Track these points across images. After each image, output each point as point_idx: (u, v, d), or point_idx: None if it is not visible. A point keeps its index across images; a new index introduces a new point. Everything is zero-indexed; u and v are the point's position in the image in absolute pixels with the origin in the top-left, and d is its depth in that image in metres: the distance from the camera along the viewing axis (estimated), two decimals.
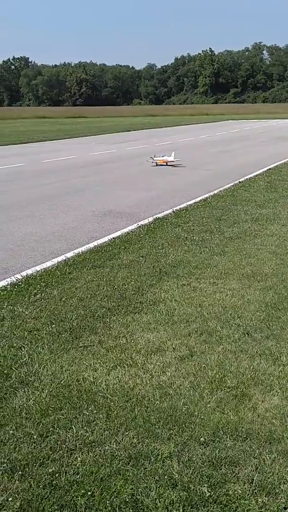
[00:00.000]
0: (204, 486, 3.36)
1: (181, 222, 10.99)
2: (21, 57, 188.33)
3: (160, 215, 11.76)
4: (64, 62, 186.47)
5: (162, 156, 21.63)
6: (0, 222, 11.48)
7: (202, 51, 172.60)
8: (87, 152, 27.79)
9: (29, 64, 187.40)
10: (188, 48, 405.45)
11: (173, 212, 12.13)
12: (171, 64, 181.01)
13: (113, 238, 9.82)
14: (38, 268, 8.05)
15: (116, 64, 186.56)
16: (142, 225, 10.86)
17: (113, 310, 6.28)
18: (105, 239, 9.77)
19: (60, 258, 8.55)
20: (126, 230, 10.48)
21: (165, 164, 21.26)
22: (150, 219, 11.39)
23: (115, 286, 7.05)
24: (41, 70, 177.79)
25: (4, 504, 3.26)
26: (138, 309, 6.31)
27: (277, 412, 4.16)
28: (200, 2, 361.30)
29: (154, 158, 21.26)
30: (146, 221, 11.17)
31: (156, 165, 21.10)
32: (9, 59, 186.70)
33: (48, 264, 8.29)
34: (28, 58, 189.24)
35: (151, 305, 6.44)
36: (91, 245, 9.35)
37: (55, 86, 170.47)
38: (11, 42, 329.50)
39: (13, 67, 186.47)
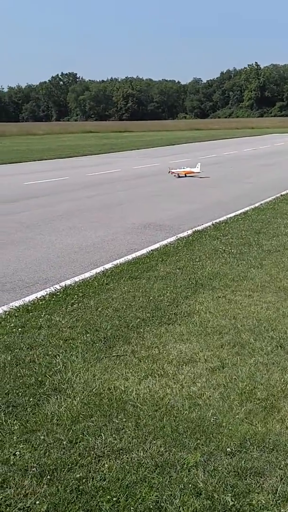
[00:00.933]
0: (228, 495, 3.36)
1: (220, 235, 10.99)
2: (69, 73, 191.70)
3: (199, 228, 11.78)
4: (111, 78, 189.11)
5: (184, 168, 22.57)
6: (43, 233, 11.68)
7: (248, 65, 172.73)
8: (131, 166, 28.02)
9: (77, 80, 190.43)
10: (234, 62, 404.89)
11: (213, 225, 12.13)
12: (216, 78, 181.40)
13: (152, 250, 9.88)
14: (76, 278, 8.17)
15: (162, 79, 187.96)
16: (181, 237, 10.90)
17: (147, 320, 6.33)
18: (144, 251, 9.84)
19: (98, 269, 8.66)
20: (164, 242, 10.54)
21: (184, 175, 22.16)
22: (189, 231, 11.42)
23: (151, 297, 7.10)
24: (88, 86, 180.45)
25: (32, 507, 3.33)
26: (172, 320, 6.34)
27: None
28: (246, 17, 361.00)
29: (173, 171, 22.31)
30: (185, 234, 11.21)
31: (179, 177, 22.01)
32: (57, 75, 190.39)
33: (87, 275, 8.40)
34: (76, 74, 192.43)
35: (185, 316, 6.46)
36: (130, 256, 9.43)
37: (102, 101, 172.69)
38: (60, 58, 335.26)
39: (61, 82, 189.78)
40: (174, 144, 48.90)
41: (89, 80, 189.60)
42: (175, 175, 22.17)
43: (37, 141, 56.21)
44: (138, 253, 9.69)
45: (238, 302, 6.92)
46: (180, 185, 20.09)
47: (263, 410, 4.36)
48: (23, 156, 35.23)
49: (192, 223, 12.42)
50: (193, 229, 11.62)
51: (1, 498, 3.41)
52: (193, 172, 22.30)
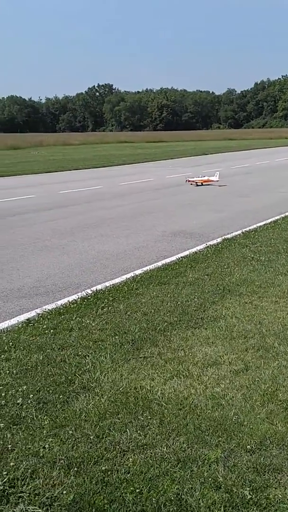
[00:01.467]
0: (246, 490, 3.47)
1: (249, 242, 11.05)
2: (105, 84, 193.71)
3: (229, 236, 11.87)
4: (146, 89, 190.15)
5: (202, 177, 23.08)
6: (76, 240, 11.91)
7: (282, 76, 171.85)
8: (164, 175, 28.20)
9: (113, 91, 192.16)
10: (268, 73, 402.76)
11: (242, 233, 12.21)
12: (250, 89, 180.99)
13: (181, 257, 10.01)
14: (107, 283, 8.35)
15: (197, 90, 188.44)
16: (210, 245, 11.00)
17: (175, 324, 6.46)
18: (173, 258, 9.98)
19: (129, 275, 8.82)
20: (194, 249, 10.65)
21: (201, 184, 22.68)
22: (219, 239, 11.52)
23: (178, 302, 7.23)
24: (124, 97, 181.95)
25: (59, 497, 3.48)
26: (198, 324, 6.46)
27: None
28: (280, 28, 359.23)
29: (190, 179, 22.94)
30: (214, 242, 11.31)
31: (197, 185, 22.57)
32: (94, 86, 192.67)
33: (117, 280, 8.57)
34: (112, 85, 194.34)
35: (211, 321, 6.58)
36: (160, 263, 9.57)
37: (137, 112, 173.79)
38: (97, 70, 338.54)
39: (97, 94, 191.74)
40: (207, 154, 48.94)
41: (125, 91, 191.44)
42: (192, 184, 22.68)
43: (73, 151, 56.88)
44: (168, 260, 9.83)
45: (264, 308, 7.00)
46: (211, 194, 20.17)
47: (284, 410, 4.45)
48: (59, 166, 35.76)
49: (222, 231, 12.52)
50: (223, 237, 11.72)
51: (30, 488, 3.57)
52: (211, 181, 22.73)
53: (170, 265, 9.40)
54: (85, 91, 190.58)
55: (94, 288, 8.06)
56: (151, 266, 9.35)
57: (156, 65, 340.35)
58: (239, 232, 12.35)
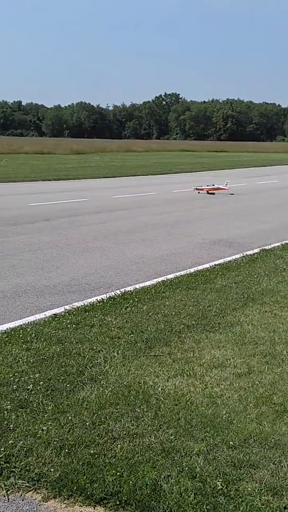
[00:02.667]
0: (219, 481, 3.64)
1: (286, 254, 11.09)
2: (172, 93, 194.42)
3: (267, 247, 11.93)
4: (212, 99, 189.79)
5: (211, 185, 23.58)
6: (118, 243, 12.25)
7: None
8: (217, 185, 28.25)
9: (179, 100, 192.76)
10: None
11: (281, 245, 12.24)
12: None
13: (215, 264, 10.17)
14: (137, 286, 8.61)
15: (263, 102, 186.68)
16: (246, 254, 11.10)
17: (191, 327, 6.65)
18: (207, 265, 10.15)
19: (160, 279, 9.05)
20: (229, 258, 10.79)
21: (213, 193, 23.10)
22: (257, 250, 11.60)
23: (200, 307, 7.41)
24: (189, 106, 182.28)
25: (46, 474, 3.75)
26: (214, 329, 6.63)
27: None
28: None
29: (198, 187, 23.37)
30: (251, 252, 11.40)
31: (207, 193, 23.01)
32: (161, 95, 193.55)
33: (148, 283, 8.82)
34: (179, 94, 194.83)
35: (228, 326, 6.73)
36: (192, 269, 9.76)
37: (201, 121, 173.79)
38: (164, 79, 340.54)
39: (164, 102, 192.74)
40: (266, 166, 48.62)
41: (191, 100, 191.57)
42: (198, 192, 23.06)
43: (134, 158, 57.61)
44: (201, 267, 10.01)
45: (283, 317, 7.10)
46: (260, 205, 20.17)
47: (275, 413, 4.58)
48: (117, 172, 36.40)
49: (262, 242, 12.59)
50: (261, 248, 11.79)
51: (23, 464, 3.86)
52: (221, 189, 23.27)
53: (202, 271, 9.58)
54: (152, 100, 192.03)
55: (123, 289, 8.33)
56: (184, 272, 9.55)
57: (223, 75, 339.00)
58: (279, 244, 12.38)
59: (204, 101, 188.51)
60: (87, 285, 8.75)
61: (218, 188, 23.21)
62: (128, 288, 8.41)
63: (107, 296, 7.94)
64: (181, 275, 9.26)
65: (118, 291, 8.22)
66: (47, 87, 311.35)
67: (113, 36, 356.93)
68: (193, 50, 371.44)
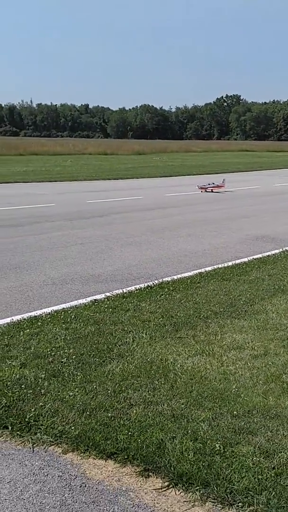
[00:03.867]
0: (218, 443, 3.97)
1: None
2: (233, 95, 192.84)
3: None
4: (273, 100, 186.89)
5: (212, 184, 23.56)
6: (164, 238, 12.62)
7: None
8: (272, 184, 28.21)
9: (240, 101, 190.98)
10: None
11: None
12: None
13: (254, 258, 10.39)
14: (175, 276, 8.95)
15: None
16: (286, 250, 11.25)
17: (218, 314, 6.96)
18: (246, 259, 10.38)
19: (198, 271, 9.37)
20: (268, 253, 10.97)
21: (211, 191, 23.20)
22: None
23: (230, 296, 7.70)
24: (250, 107, 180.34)
25: (67, 431, 4.19)
26: (240, 316, 6.91)
27: None
28: None
29: (201, 186, 23.29)
30: None
31: (212, 191, 23.09)
32: (222, 96, 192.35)
33: (186, 274, 9.15)
34: (240, 96, 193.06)
35: (253, 314, 7.00)
36: (231, 262, 10.03)
37: (262, 122, 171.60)
38: (226, 81, 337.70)
39: (225, 104, 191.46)
40: None
41: (252, 101, 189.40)
42: (202, 191, 23.04)
43: (192, 158, 57.74)
44: (239, 260, 10.25)
45: None
46: None
47: (281, 389, 4.86)
48: (175, 171, 36.74)
49: None
50: None
51: (48, 423, 4.31)
52: (220, 187, 23.52)
53: (239, 264, 9.83)
54: (213, 101, 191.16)
55: (161, 279, 8.70)
56: (222, 265, 9.82)
57: (284, 77, 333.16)
58: None
59: (265, 102, 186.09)
60: (129, 275, 9.17)
61: (218, 186, 23.35)
62: (167, 279, 8.77)
63: (145, 285, 8.33)
64: (218, 268, 9.54)
65: (156, 281, 8.59)
66: (113, 90, 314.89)
67: (177, 40, 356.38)
68: (253, 52, 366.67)
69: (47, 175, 31.46)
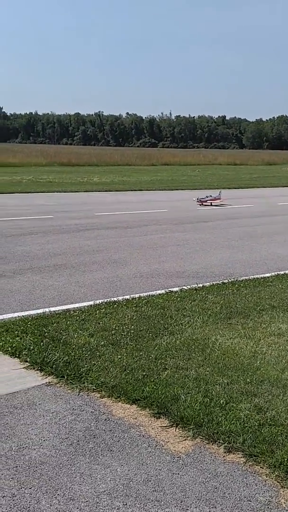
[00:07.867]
0: (223, 400, 4.77)
1: None
2: None
3: None
4: None
5: (209, 196, 22.26)
6: (259, 243, 13.27)
7: None
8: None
9: None
10: None
11: None
12: None
13: None
14: (252, 276, 9.63)
15: None
16: None
17: (276, 308, 7.59)
18: None
19: (276, 272, 9.97)
20: None
21: (210, 204, 22.00)
22: None
23: None
24: None
25: (107, 381, 5.18)
26: None
27: None
28: None
29: (200, 198, 21.92)
30: None
31: (211, 205, 21.82)
32: None
33: (265, 275, 9.79)
34: None
35: None
36: None
37: None
38: None
39: None
40: None
41: None
42: (206, 204, 21.83)
43: None
44: None
45: None
46: None
47: None
48: None
49: None
50: None
51: (94, 375, 5.34)
52: (219, 199, 22.28)
53: None
54: None
55: (237, 278, 9.43)
56: None
57: None
58: None
59: None
60: (211, 273, 10.00)
61: (215, 199, 22.20)
62: (243, 278, 9.49)
63: (221, 282, 9.12)
64: None
65: (231, 279, 9.35)
66: (250, 101, 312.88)
67: None
68: None
69: (171, 184, 32.90)
